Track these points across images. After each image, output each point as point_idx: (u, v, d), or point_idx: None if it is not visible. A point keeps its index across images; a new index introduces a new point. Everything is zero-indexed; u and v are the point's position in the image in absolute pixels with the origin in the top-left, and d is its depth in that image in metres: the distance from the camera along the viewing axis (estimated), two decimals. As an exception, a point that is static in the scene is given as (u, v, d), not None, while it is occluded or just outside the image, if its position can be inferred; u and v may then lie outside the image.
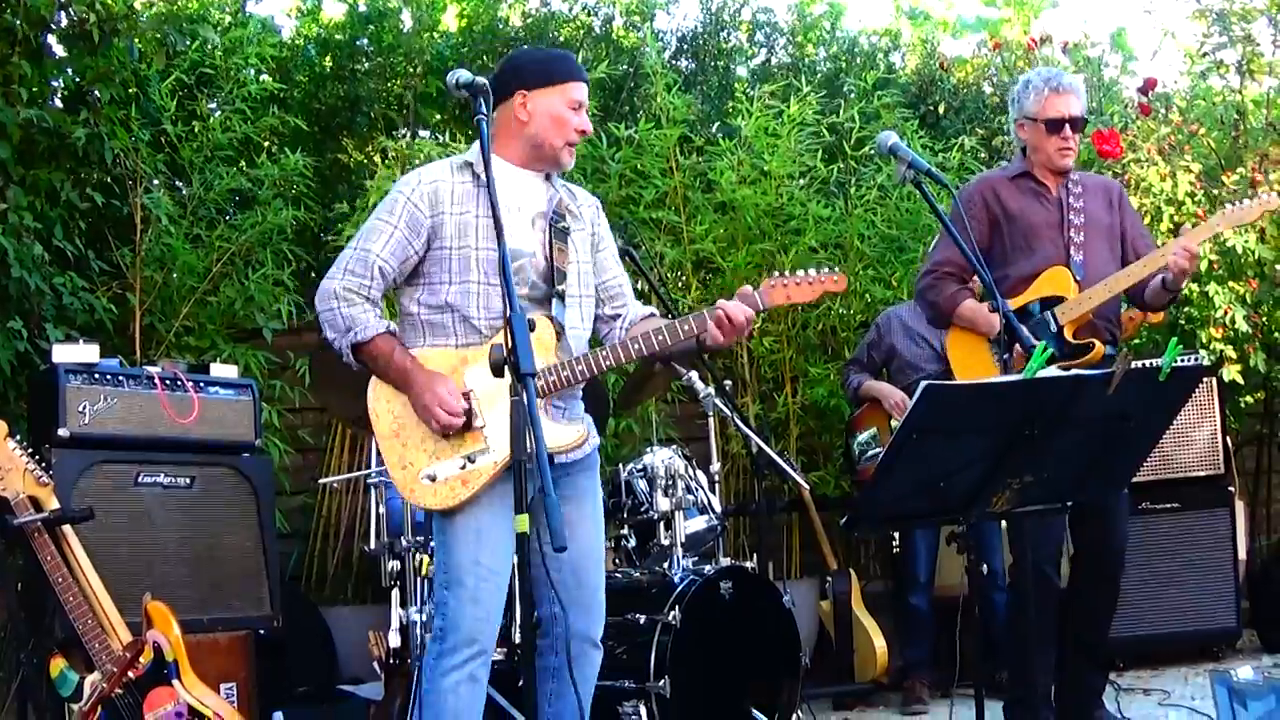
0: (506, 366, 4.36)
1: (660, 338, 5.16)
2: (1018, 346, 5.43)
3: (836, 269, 5.44)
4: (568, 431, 5.23)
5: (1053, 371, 4.98)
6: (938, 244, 7.08)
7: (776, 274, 5.31)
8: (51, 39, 8.51)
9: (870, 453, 8.75)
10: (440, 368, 5.12)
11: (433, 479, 5.05)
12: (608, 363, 5.20)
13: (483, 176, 5.18)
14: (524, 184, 5.33)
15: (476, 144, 5.30)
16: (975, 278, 6.83)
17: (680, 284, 10.36)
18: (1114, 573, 6.65)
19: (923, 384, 4.40)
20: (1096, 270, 6.64)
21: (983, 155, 11.05)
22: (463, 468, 5.05)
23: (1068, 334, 6.52)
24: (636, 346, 5.18)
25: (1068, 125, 6.69)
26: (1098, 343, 6.47)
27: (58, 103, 8.74)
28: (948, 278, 6.82)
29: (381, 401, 5.18)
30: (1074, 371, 5.52)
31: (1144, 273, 6.51)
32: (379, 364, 5.14)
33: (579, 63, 5.48)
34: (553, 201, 5.37)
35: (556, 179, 5.47)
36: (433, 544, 6.75)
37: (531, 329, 4.42)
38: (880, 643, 8.92)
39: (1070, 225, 6.71)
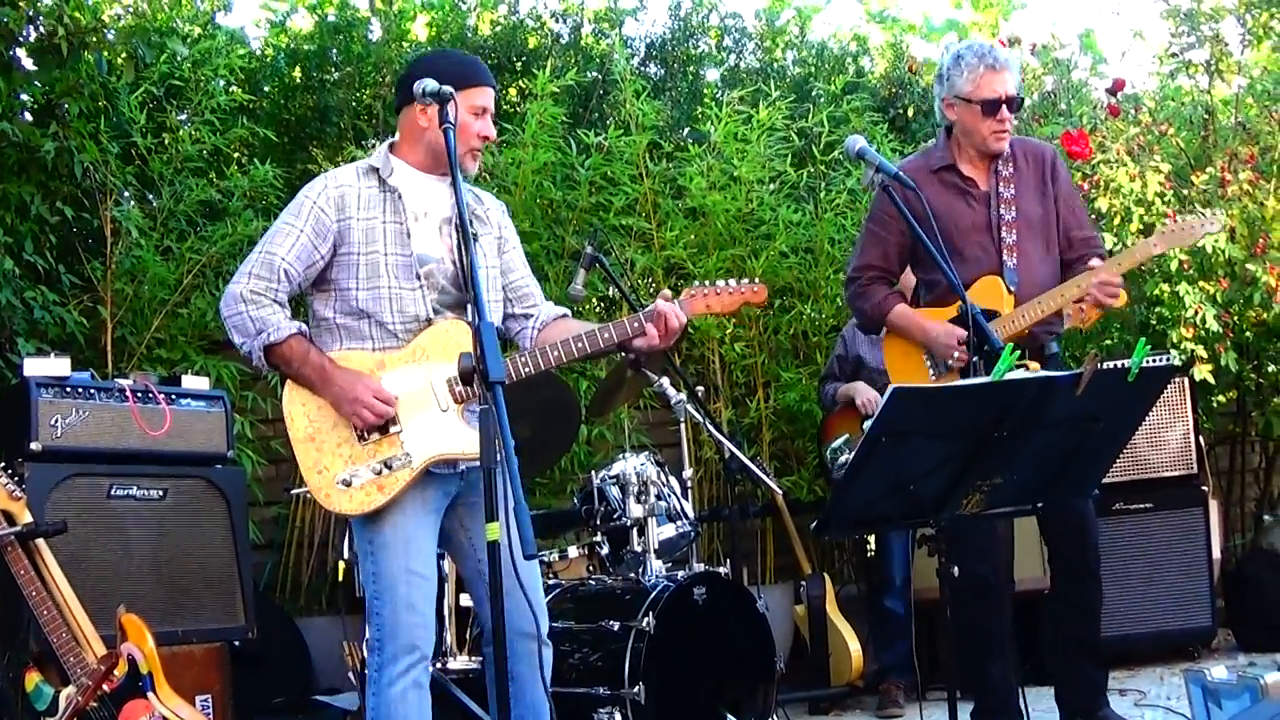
0: (476, 375, 4.37)
1: (580, 344, 5.20)
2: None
3: (757, 280, 5.46)
4: (475, 438, 5.21)
5: (1021, 374, 4.99)
6: (858, 246, 6.83)
7: (697, 284, 5.35)
8: (20, 52, 8.48)
9: (843, 459, 8.73)
10: (359, 368, 5.12)
11: (348, 484, 5.06)
12: (526, 369, 5.19)
13: (388, 180, 5.26)
14: (429, 189, 5.34)
15: (382, 147, 5.40)
16: (901, 277, 6.81)
17: (651, 290, 10.36)
18: (1093, 568, 6.55)
19: (891, 387, 4.41)
20: (1030, 274, 6.43)
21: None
22: (378, 473, 5.05)
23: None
24: (556, 353, 5.19)
25: (1005, 106, 6.38)
26: (1033, 365, 6.21)
27: (27, 116, 8.72)
28: (875, 282, 6.62)
29: (296, 405, 5.18)
30: (1043, 373, 5.51)
31: (1068, 299, 6.31)
32: (293, 366, 5.14)
33: (486, 68, 5.47)
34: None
35: (462, 184, 5.44)
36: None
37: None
38: (855, 646, 8.92)
39: (1001, 224, 6.47)
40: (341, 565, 7.32)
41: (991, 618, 6.36)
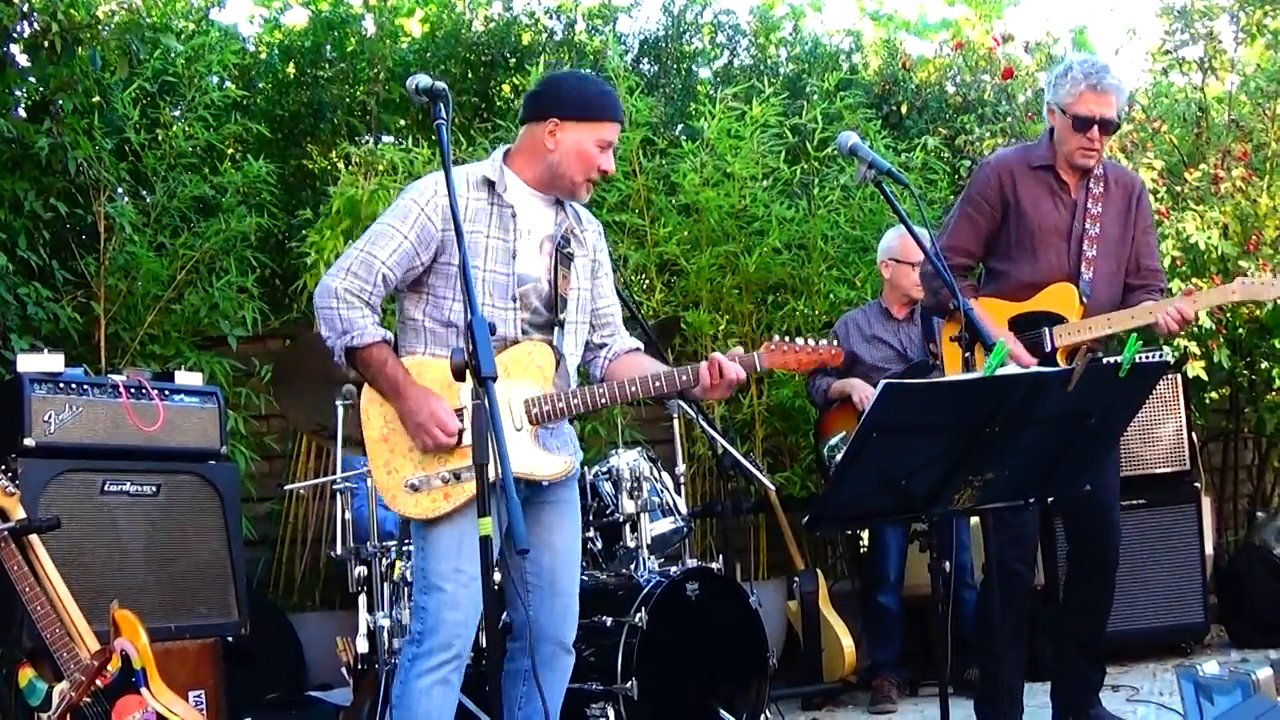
0: (468, 370, 4.38)
1: (657, 384, 5.22)
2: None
3: (836, 343, 5.49)
4: (554, 461, 5.24)
5: (1012, 369, 5.00)
6: (949, 225, 6.83)
7: (778, 338, 5.34)
8: (14, 49, 8.48)
9: (840, 456, 8.71)
10: (437, 378, 5.09)
11: (415, 489, 5.06)
12: (603, 401, 5.24)
13: (504, 197, 5.23)
14: (537, 207, 5.31)
15: (496, 156, 5.36)
16: (980, 263, 6.82)
17: (644, 287, 10.36)
18: (1112, 566, 6.62)
19: (882, 383, 4.41)
20: (1100, 291, 6.53)
21: (945, 155, 11.08)
22: (446, 482, 5.06)
23: (1060, 358, 6.36)
24: (634, 389, 5.21)
25: (1097, 127, 6.43)
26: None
27: (21, 112, 8.72)
28: (957, 269, 6.57)
29: (375, 404, 5.17)
30: (1033, 369, 5.52)
31: (1137, 323, 6.31)
32: (371, 371, 5.12)
33: (619, 102, 5.45)
34: (561, 226, 5.36)
35: (567, 203, 5.43)
36: (397, 548, 6.80)
37: (493, 333, 4.43)
38: (848, 642, 8.92)
39: (1085, 237, 6.54)
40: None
41: (1014, 608, 6.39)
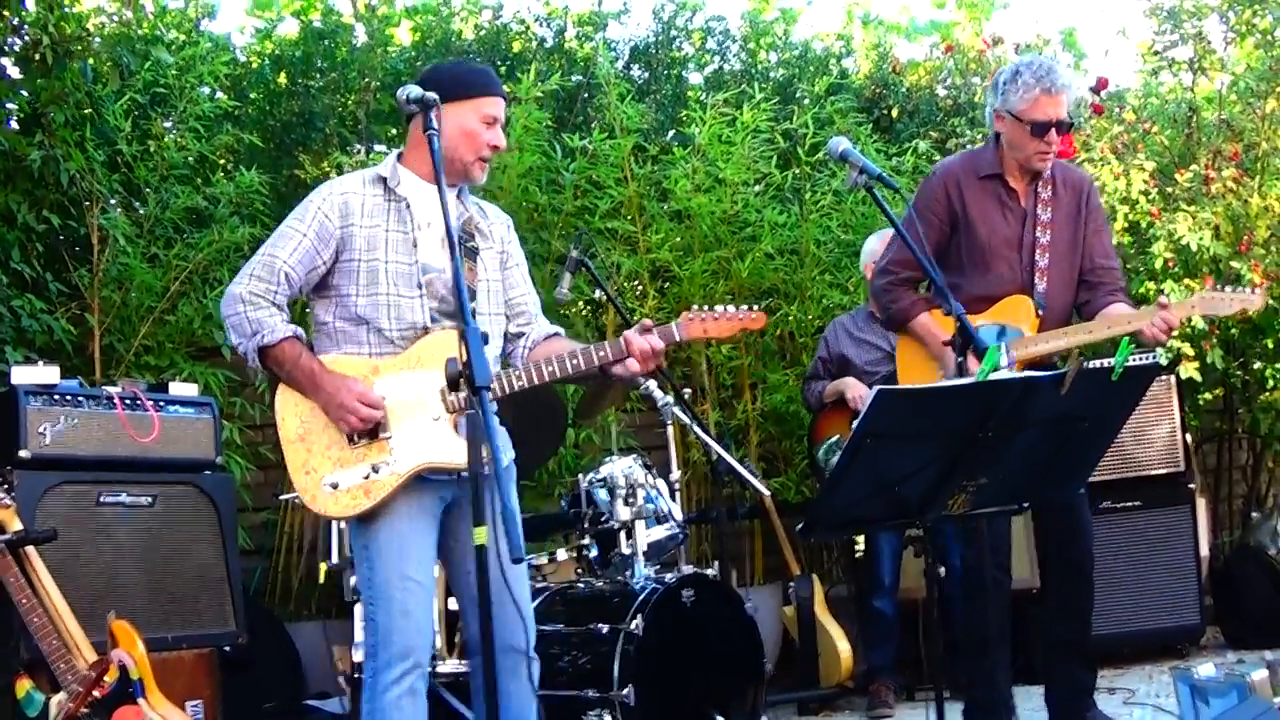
0: (462, 380, 4.38)
1: (574, 362, 5.19)
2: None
3: (756, 308, 5.43)
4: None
5: (1005, 374, 5.01)
6: (893, 240, 6.77)
7: (695, 308, 5.31)
8: (5, 61, 8.49)
9: (835, 459, 8.70)
10: (353, 374, 5.12)
11: (335, 486, 5.06)
12: (519, 384, 5.18)
13: (396, 190, 5.27)
14: (435, 199, 5.21)
15: (390, 157, 5.41)
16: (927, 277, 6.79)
17: (637, 294, 10.38)
18: (1086, 567, 6.56)
19: (875, 388, 4.42)
20: (1055, 300, 6.49)
21: (936, 158, 11.07)
22: (366, 477, 5.05)
23: (1015, 369, 6.17)
24: (550, 369, 5.18)
25: (1054, 129, 6.40)
26: None
27: (13, 125, 8.72)
28: (905, 283, 6.58)
29: (289, 406, 5.18)
30: (1026, 373, 5.53)
31: (1114, 333, 6.26)
32: (285, 368, 5.14)
33: (498, 78, 5.47)
34: (461, 219, 5.37)
35: (468, 196, 5.48)
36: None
37: (486, 342, 4.44)
38: (844, 647, 8.94)
39: (1035, 245, 6.49)
40: (323, 568, 7.30)
41: (993, 615, 6.37)
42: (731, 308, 5.32)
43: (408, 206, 5.26)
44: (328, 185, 5.32)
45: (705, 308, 5.31)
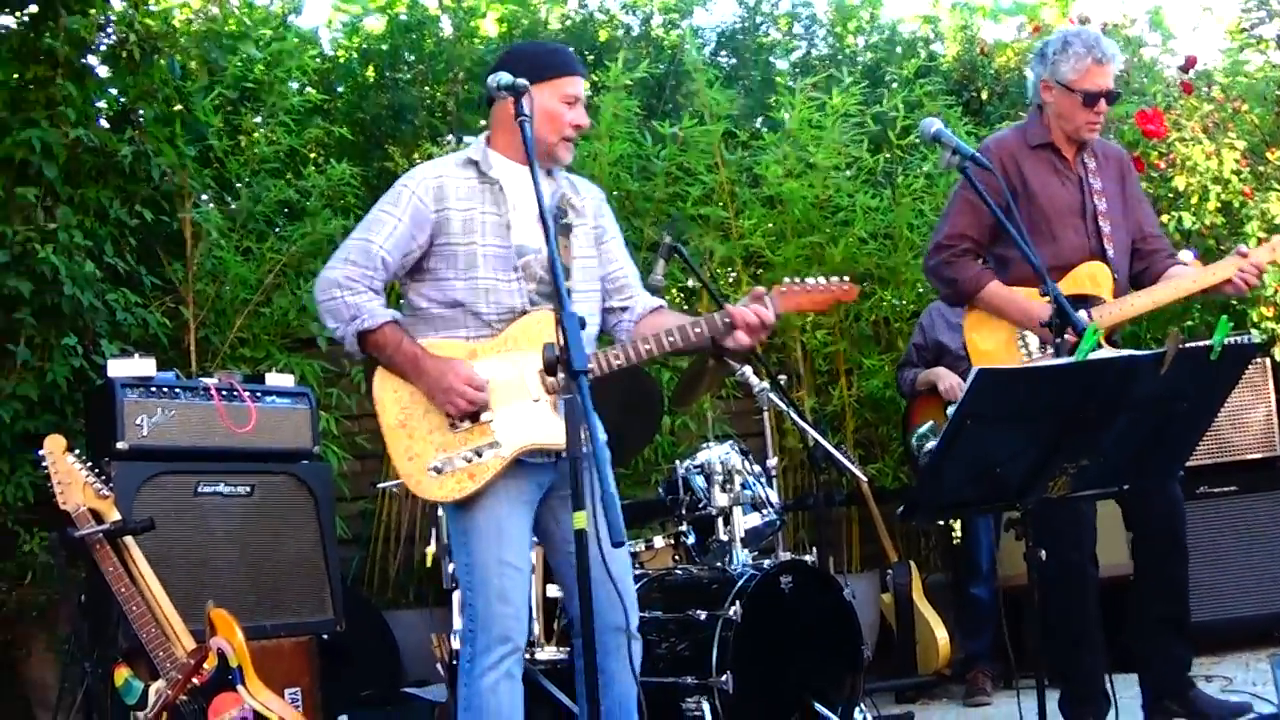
0: (559, 365, 4.37)
1: (671, 339, 5.16)
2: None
3: (847, 278, 5.39)
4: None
5: (1106, 353, 4.95)
6: (947, 215, 6.64)
7: (788, 280, 5.27)
8: (93, 59, 8.55)
9: (928, 446, 8.64)
10: (452, 357, 5.11)
11: (439, 471, 5.03)
12: (617, 361, 5.16)
13: (489, 174, 5.23)
14: (525, 180, 5.18)
15: (480, 140, 5.37)
16: (985, 251, 6.68)
17: (730, 279, 10.37)
18: (1180, 538, 6.40)
19: (976, 369, 4.38)
20: (1121, 265, 6.42)
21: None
22: (469, 461, 5.03)
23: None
24: (647, 346, 5.17)
25: (1104, 99, 6.34)
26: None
27: (102, 122, 8.78)
28: (966, 254, 6.46)
29: (389, 392, 5.16)
30: (1126, 353, 5.46)
31: (1201, 285, 6.23)
32: (386, 353, 5.12)
33: (576, 56, 5.43)
34: (555, 197, 5.34)
35: (559, 173, 5.43)
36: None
37: (583, 327, 4.42)
38: (942, 634, 8.90)
39: (1097, 212, 6.42)
40: (429, 553, 7.28)
41: (1081, 604, 6.29)
42: (823, 279, 5.29)
43: (501, 189, 5.23)
44: (420, 170, 5.30)
45: (798, 279, 5.27)
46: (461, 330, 5.16)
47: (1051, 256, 6.16)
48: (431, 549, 7.38)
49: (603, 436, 5.35)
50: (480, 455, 5.03)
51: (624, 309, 5.52)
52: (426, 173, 5.24)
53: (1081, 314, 5.65)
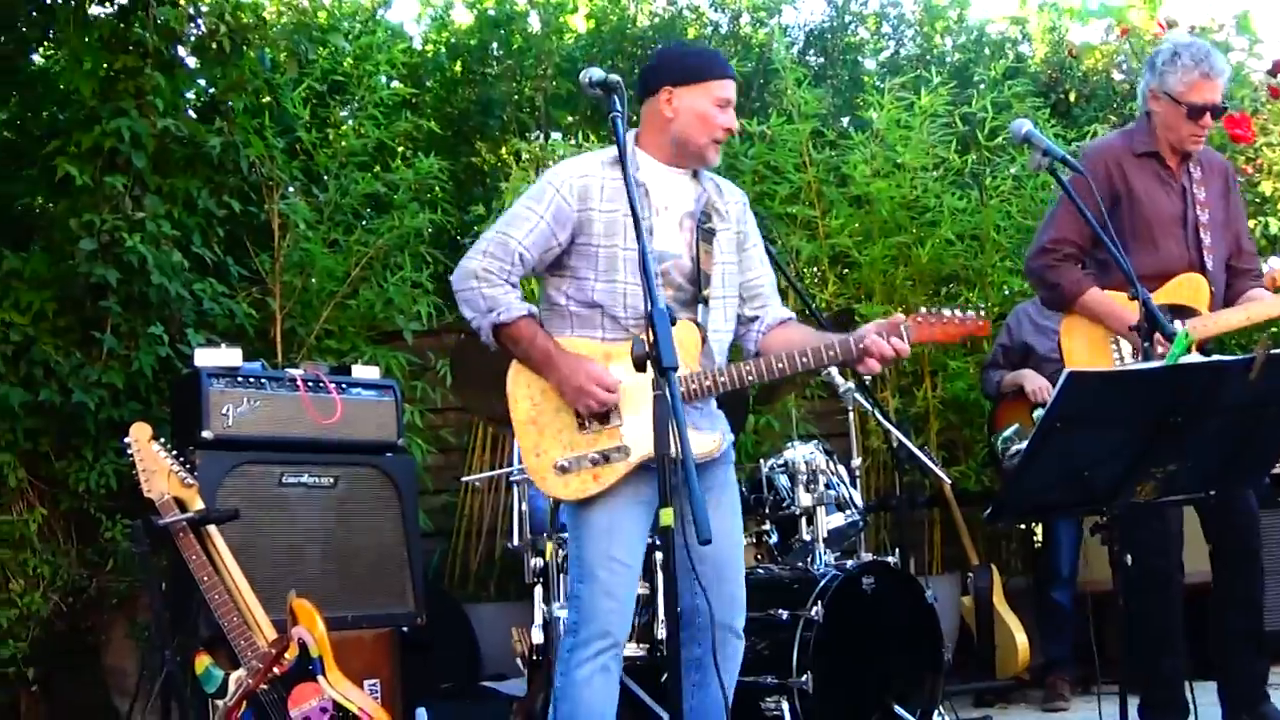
0: (649, 361, 4.36)
1: (804, 359, 5.12)
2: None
3: (981, 311, 5.35)
4: (702, 440, 5.16)
5: (1195, 358, 4.92)
6: (1052, 219, 6.66)
7: (924, 311, 5.22)
8: (182, 50, 8.60)
9: (1014, 449, 8.61)
10: (585, 357, 5.11)
11: (564, 470, 5.05)
12: (750, 378, 5.15)
13: (635, 175, 5.16)
14: (671, 182, 5.27)
15: (629, 137, 5.31)
16: (1087, 256, 6.66)
17: (817, 278, 10.33)
18: (1255, 554, 6.41)
19: (1066, 371, 4.35)
20: (1218, 277, 6.42)
21: (1116, 144, 10.93)
22: (595, 463, 5.04)
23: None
24: (780, 364, 5.13)
25: (1209, 113, 6.35)
26: None
27: (191, 114, 8.83)
28: (1069, 259, 6.49)
29: (521, 386, 5.18)
30: (1215, 358, 5.42)
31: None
32: (520, 347, 5.13)
33: (727, 59, 5.40)
34: (700, 200, 5.31)
35: (705, 175, 5.40)
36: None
37: (673, 323, 4.40)
38: (1022, 639, 8.85)
39: (1198, 223, 6.42)
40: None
41: (1166, 610, 6.25)
42: (959, 311, 5.23)
43: (646, 192, 5.20)
44: (565, 167, 5.26)
45: (932, 310, 5.22)
46: (597, 331, 5.15)
47: (1152, 264, 6.21)
48: (514, 542, 7.36)
49: (730, 437, 5.42)
50: (607, 459, 5.05)
51: (754, 319, 5.49)
52: (572, 170, 5.20)
53: (1176, 324, 5.62)
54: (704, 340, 5.21)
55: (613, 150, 5.25)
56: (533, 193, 5.21)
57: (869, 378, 7.80)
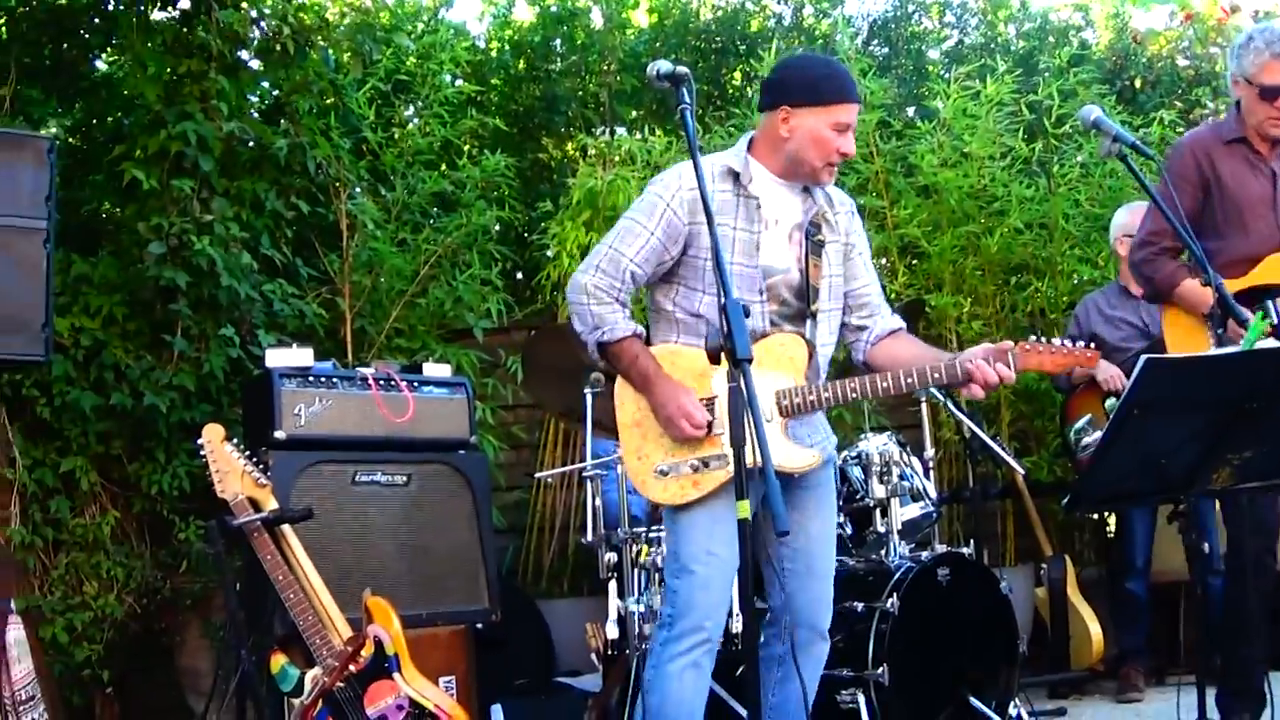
0: (723, 354, 4.35)
1: (909, 380, 5.08)
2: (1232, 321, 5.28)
3: (1093, 345, 5.30)
4: (802, 454, 5.16)
5: (1271, 343, 4.88)
6: (1148, 213, 6.70)
7: (1033, 339, 5.16)
8: (245, 54, 8.65)
9: (1087, 440, 8.55)
10: (690, 366, 5.12)
11: (664, 474, 5.07)
12: (853, 395, 5.12)
13: (748, 188, 5.19)
14: (783, 196, 5.25)
15: (740, 143, 5.33)
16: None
17: (886, 269, 10.29)
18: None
19: (1143, 358, 4.33)
20: None
21: (1181, 129, 10.83)
22: (695, 469, 5.05)
23: None
24: (884, 384, 5.09)
25: None
26: None
27: (256, 116, 8.87)
28: (1164, 253, 6.48)
29: (628, 391, 5.21)
30: (1294, 343, 5.39)
31: None
32: (622, 364, 5.15)
33: (853, 81, 5.32)
34: (810, 213, 5.29)
35: (815, 187, 5.36)
36: (649, 534, 6.80)
37: (746, 315, 4.38)
38: (1096, 630, 8.81)
39: None
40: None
41: (1253, 596, 6.23)
42: (1068, 342, 5.13)
43: (758, 205, 5.18)
44: (674, 178, 5.19)
45: (1042, 339, 5.14)
46: (701, 340, 5.09)
47: (1244, 248, 6.26)
48: (587, 537, 7.37)
49: (834, 439, 5.49)
50: (707, 465, 5.06)
51: (862, 328, 5.48)
52: (682, 184, 5.14)
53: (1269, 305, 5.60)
54: (810, 355, 5.20)
55: (721, 158, 5.29)
56: (643, 206, 5.19)
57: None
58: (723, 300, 4.36)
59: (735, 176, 5.20)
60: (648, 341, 5.24)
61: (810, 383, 5.15)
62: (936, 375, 5.07)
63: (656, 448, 5.12)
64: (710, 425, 5.04)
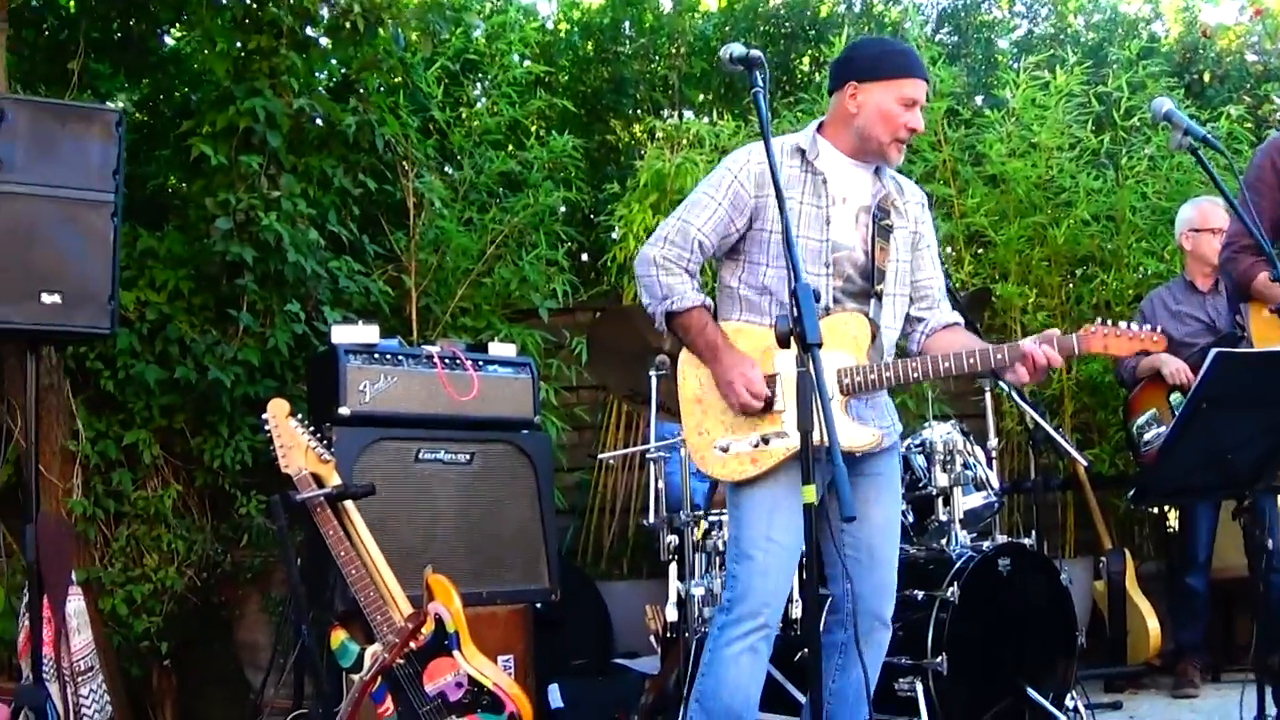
0: (792, 337, 4.35)
1: (971, 361, 5.07)
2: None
3: (1160, 330, 5.28)
4: (863, 433, 5.16)
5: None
6: (1232, 215, 6.71)
7: (1099, 322, 5.16)
8: (315, 30, 8.67)
9: (1150, 434, 8.52)
10: (753, 344, 5.13)
11: (725, 450, 5.08)
12: (915, 375, 5.12)
13: (815, 164, 5.22)
14: (851, 175, 5.27)
15: (811, 128, 5.35)
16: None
17: (952, 258, 10.27)
18: None
19: (1213, 352, 4.32)
20: None
21: (1249, 124, 10.77)
22: (755, 446, 5.06)
23: None
24: (947, 364, 5.08)
25: None
26: None
27: (323, 93, 8.90)
28: (1245, 250, 6.43)
29: (691, 366, 5.23)
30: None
31: None
32: (690, 335, 5.18)
33: (918, 58, 5.33)
34: (878, 196, 5.30)
35: (886, 172, 5.38)
36: (712, 516, 6.80)
37: (816, 300, 4.39)
38: (1154, 624, 8.78)
39: None
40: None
41: None
42: (1134, 325, 5.10)
43: (825, 181, 5.21)
44: (744, 153, 5.24)
45: (1108, 323, 5.13)
46: (766, 317, 5.17)
47: None
48: (649, 519, 7.37)
49: (899, 427, 5.49)
50: (767, 443, 5.07)
51: (920, 319, 5.48)
52: (750, 158, 5.19)
53: None
54: (874, 335, 5.20)
55: (792, 137, 5.31)
56: (712, 179, 5.23)
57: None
58: (793, 284, 4.36)
59: (803, 154, 5.23)
60: (714, 318, 5.24)
61: (873, 362, 5.15)
62: (999, 356, 5.04)
63: (717, 424, 5.14)
64: (770, 401, 5.06)
